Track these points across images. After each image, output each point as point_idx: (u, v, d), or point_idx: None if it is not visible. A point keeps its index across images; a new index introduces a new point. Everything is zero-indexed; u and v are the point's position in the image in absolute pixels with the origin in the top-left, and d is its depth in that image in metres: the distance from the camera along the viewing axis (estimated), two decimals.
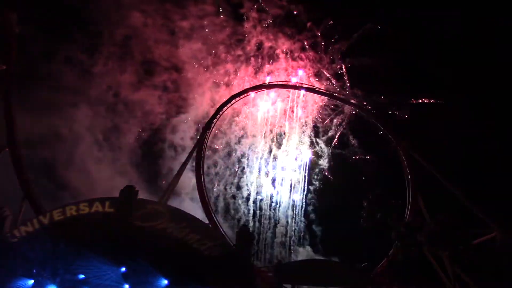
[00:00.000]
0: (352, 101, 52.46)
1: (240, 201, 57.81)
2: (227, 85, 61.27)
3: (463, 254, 33.84)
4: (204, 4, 61.61)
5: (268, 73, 60.96)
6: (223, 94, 59.82)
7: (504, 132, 47.75)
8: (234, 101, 49.20)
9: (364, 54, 57.26)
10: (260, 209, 57.70)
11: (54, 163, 51.38)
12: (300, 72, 60.65)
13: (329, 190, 57.62)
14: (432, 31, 57.31)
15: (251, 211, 57.49)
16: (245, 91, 50.92)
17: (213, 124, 47.44)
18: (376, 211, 36.31)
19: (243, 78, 61.47)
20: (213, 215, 42.63)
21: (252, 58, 61.91)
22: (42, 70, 52.42)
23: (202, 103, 60.56)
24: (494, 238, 34.55)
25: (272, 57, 61.68)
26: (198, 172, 44.71)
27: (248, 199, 57.83)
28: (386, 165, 49.34)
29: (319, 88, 54.68)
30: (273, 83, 55.29)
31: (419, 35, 57.75)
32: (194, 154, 45.62)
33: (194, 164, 46.14)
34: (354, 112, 55.20)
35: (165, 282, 29.83)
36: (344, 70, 58.81)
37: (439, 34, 57.06)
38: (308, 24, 60.75)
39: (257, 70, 61.59)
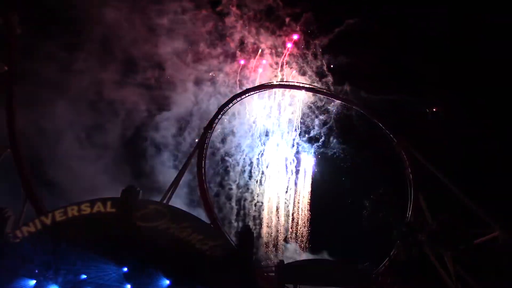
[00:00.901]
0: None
1: (224, 198, 57.65)
2: (211, 81, 61.38)
3: (465, 254, 33.87)
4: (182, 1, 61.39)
5: (253, 69, 61.28)
6: (207, 91, 60.41)
7: (505, 131, 47.82)
8: (235, 101, 49.20)
9: (353, 52, 57.63)
10: (244, 207, 57.74)
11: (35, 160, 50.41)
12: (295, 37, 61.09)
13: (329, 190, 57.56)
14: (418, 28, 57.61)
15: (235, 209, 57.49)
16: (246, 92, 50.87)
17: (214, 124, 47.39)
18: (378, 211, 36.36)
19: (228, 73, 61.57)
20: (215, 215, 42.59)
21: (233, 54, 62.09)
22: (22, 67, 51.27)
23: (184, 100, 60.30)
24: (496, 238, 34.57)
25: (256, 52, 61.82)
26: (200, 172, 44.60)
27: (237, 198, 57.78)
28: (388, 165, 49.24)
29: (320, 88, 54.68)
30: (274, 83, 55.29)
31: (405, 32, 58.04)
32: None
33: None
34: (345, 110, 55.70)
35: (167, 282, 29.90)
36: (325, 66, 59.51)
37: (425, 31, 57.41)
38: (287, 20, 60.98)
39: (242, 65, 61.75)
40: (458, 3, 55.12)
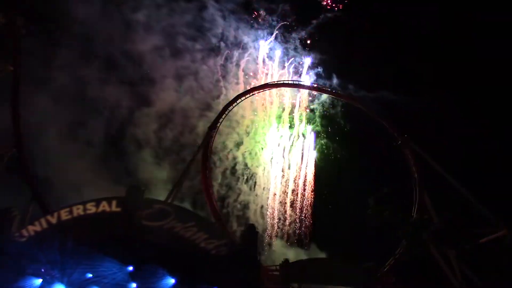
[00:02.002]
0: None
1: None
2: (194, 76, 61.31)
3: (470, 253, 33.78)
4: None
5: (236, 64, 61.55)
6: (191, 87, 60.53)
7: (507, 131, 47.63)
8: (239, 100, 49.18)
9: (344, 50, 57.98)
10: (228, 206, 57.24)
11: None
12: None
13: (333, 189, 57.39)
14: (409, 27, 57.49)
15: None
16: (251, 90, 50.95)
17: (218, 124, 47.40)
18: (383, 210, 36.28)
19: (212, 67, 61.60)
20: (219, 214, 42.72)
21: (214, 48, 62.20)
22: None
23: (165, 96, 60.06)
24: (501, 237, 34.41)
25: (238, 46, 62.04)
26: (204, 172, 44.76)
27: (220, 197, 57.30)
28: (392, 164, 49.07)
29: (323, 87, 54.53)
30: (278, 82, 55.12)
31: (397, 31, 58.01)
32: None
33: None
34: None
35: (172, 281, 29.97)
36: (307, 65, 60.17)
37: (416, 29, 57.29)
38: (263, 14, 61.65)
39: (226, 60, 61.90)
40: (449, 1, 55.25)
